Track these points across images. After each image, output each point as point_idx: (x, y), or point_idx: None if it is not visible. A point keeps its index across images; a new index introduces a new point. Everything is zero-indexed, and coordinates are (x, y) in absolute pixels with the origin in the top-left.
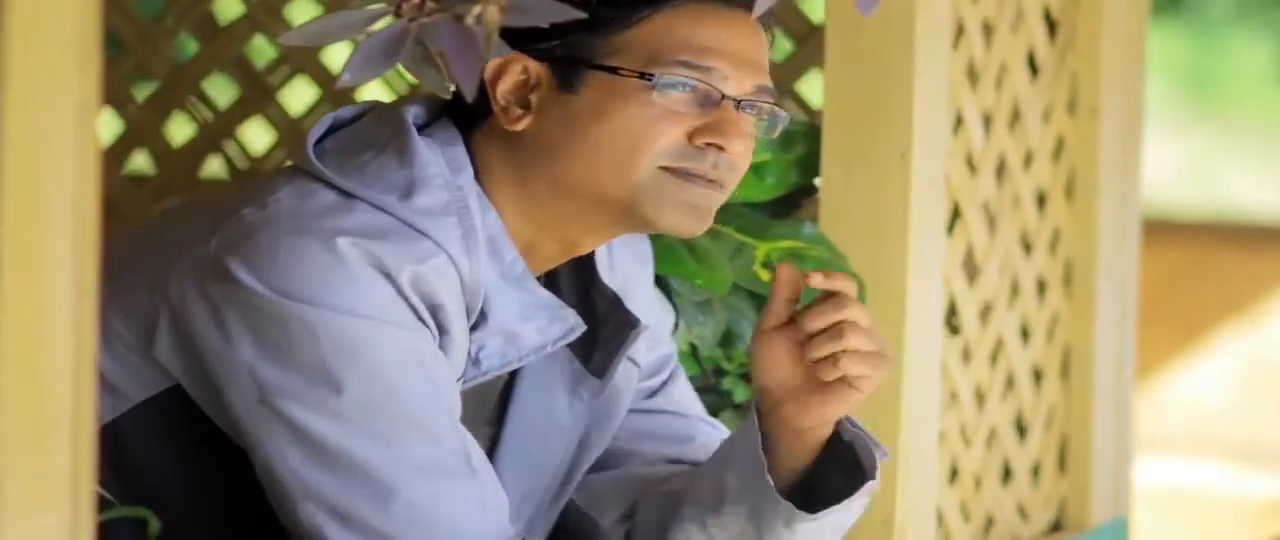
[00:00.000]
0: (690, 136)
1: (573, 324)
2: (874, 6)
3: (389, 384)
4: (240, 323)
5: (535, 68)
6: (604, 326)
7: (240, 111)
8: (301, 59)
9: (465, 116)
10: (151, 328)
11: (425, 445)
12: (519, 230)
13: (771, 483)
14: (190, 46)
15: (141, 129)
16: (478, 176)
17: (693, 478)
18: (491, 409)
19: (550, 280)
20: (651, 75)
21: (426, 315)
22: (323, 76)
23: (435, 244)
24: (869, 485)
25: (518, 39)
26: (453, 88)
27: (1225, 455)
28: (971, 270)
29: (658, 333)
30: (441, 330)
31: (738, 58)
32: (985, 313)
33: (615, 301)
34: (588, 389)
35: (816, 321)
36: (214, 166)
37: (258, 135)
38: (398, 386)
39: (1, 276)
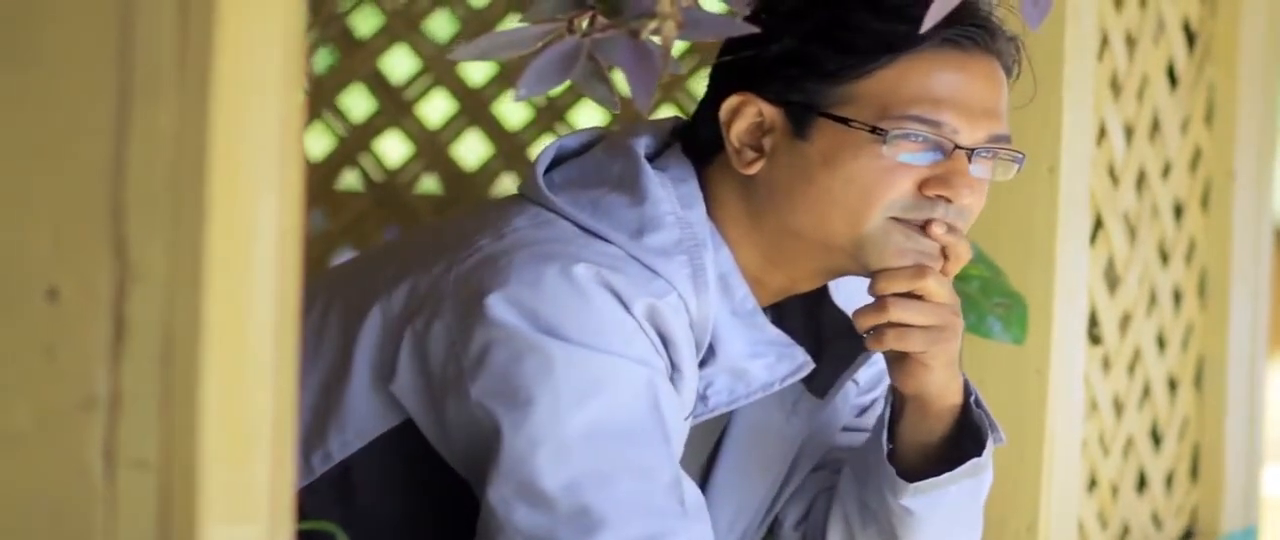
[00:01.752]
0: (920, 186)
1: (801, 362)
2: (1042, 19)
3: (614, 421)
4: (476, 352)
5: (769, 112)
6: (830, 347)
7: (377, 124)
8: (440, 72)
9: (698, 146)
10: (391, 362)
11: (639, 482)
12: (748, 265)
13: (885, 442)
14: (326, 59)
15: None
16: (710, 211)
17: None
18: (715, 433)
19: (777, 304)
20: (883, 129)
21: (660, 347)
22: (460, 90)
23: (667, 282)
24: (970, 463)
25: (753, 82)
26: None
27: None
28: (1112, 281)
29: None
30: (672, 366)
31: (971, 108)
32: (1124, 323)
33: (844, 323)
34: (806, 405)
35: (881, 286)
36: (349, 180)
37: (393, 148)
38: (622, 423)
39: (205, 288)
